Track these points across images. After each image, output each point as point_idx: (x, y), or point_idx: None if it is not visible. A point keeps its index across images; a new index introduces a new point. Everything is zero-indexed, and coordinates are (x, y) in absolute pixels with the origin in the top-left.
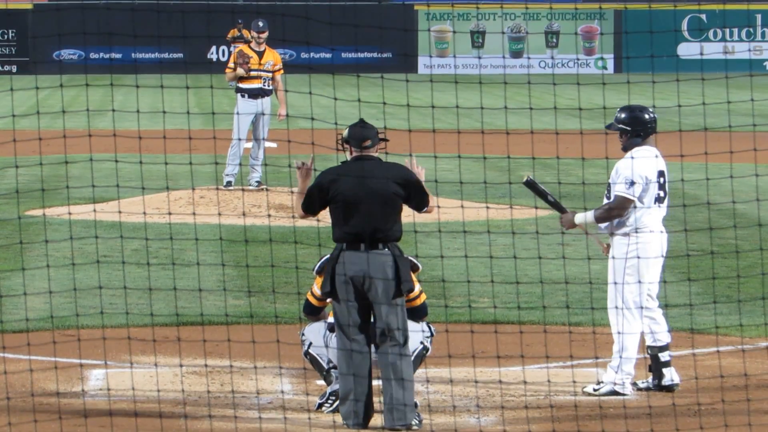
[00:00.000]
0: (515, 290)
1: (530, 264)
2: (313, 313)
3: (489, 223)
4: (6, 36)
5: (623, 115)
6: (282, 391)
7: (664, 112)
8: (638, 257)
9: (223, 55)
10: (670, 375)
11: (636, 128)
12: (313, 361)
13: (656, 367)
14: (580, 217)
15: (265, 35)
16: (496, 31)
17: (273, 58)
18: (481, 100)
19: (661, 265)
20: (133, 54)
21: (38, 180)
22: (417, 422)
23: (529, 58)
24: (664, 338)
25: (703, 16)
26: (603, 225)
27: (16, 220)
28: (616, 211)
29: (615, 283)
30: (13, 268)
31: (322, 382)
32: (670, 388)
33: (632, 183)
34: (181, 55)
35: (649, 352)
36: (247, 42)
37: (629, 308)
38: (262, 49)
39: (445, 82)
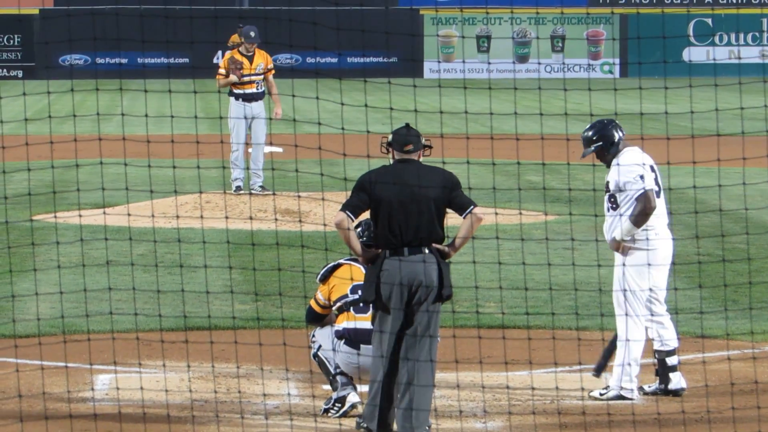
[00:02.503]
0: (522, 295)
1: (537, 269)
2: (315, 320)
3: (497, 227)
4: (12, 41)
5: (590, 134)
6: (288, 395)
7: (675, 118)
8: (649, 264)
9: None
10: (677, 380)
11: (606, 141)
12: (321, 364)
13: (663, 371)
14: (621, 232)
15: (254, 47)
16: (502, 36)
17: (263, 60)
18: (491, 105)
19: (669, 270)
20: (139, 59)
21: (47, 184)
22: (427, 428)
23: (539, 62)
24: (672, 343)
25: (710, 21)
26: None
27: (27, 224)
28: (647, 208)
29: (624, 290)
30: (22, 270)
31: (328, 387)
32: (677, 393)
33: (641, 176)
34: (187, 60)
35: (657, 356)
36: (237, 46)
37: (636, 315)
38: (251, 53)
39: (451, 87)
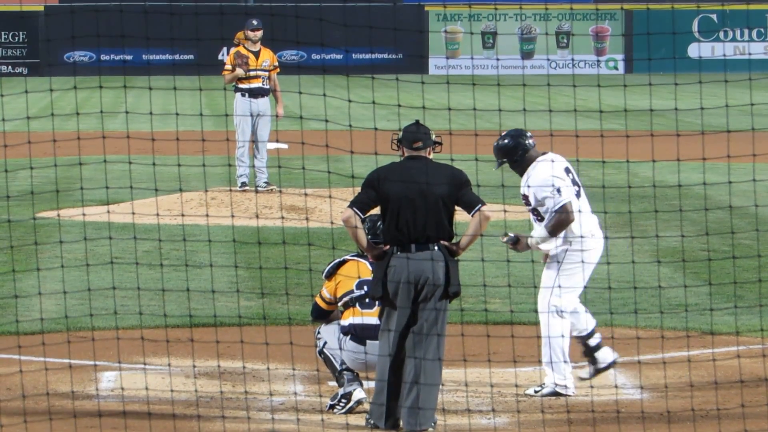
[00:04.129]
0: (529, 292)
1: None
2: (321, 317)
3: (506, 224)
4: (17, 38)
5: (501, 143)
6: (295, 393)
7: (682, 114)
8: (582, 261)
9: None
10: (604, 356)
11: (514, 156)
12: (327, 360)
13: (589, 352)
14: (535, 239)
15: (259, 33)
16: (507, 32)
17: (269, 57)
18: (499, 101)
19: (593, 268)
20: (144, 55)
21: (51, 181)
22: (433, 424)
23: (548, 59)
24: (588, 325)
25: (714, 16)
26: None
27: (30, 222)
28: (566, 219)
29: (554, 287)
30: (26, 269)
31: (334, 384)
32: (609, 368)
33: (558, 189)
34: (192, 56)
35: (579, 342)
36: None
37: (561, 312)
38: (257, 48)
39: (457, 83)
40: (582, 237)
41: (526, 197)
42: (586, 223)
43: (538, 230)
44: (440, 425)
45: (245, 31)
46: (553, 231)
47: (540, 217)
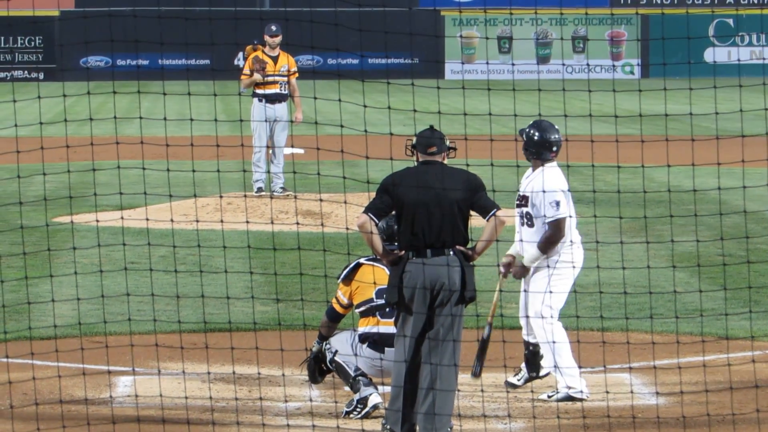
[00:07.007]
0: None
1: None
2: (335, 320)
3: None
4: (33, 43)
5: (533, 133)
6: (310, 398)
7: (697, 119)
8: (573, 266)
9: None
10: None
11: (541, 149)
12: (339, 368)
13: (535, 361)
14: (529, 259)
15: (278, 39)
16: (523, 37)
17: (288, 62)
18: (515, 107)
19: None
20: (159, 60)
21: (66, 187)
22: (449, 430)
23: (563, 64)
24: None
25: (731, 21)
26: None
27: (44, 227)
28: (557, 236)
29: (549, 292)
30: (41, 275)
31: (350, 389)
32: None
33: (557, 203)
34: (207, 61)
35: (530, 348)
36: (260, 47)
37: (554, 316)
38: (276, 53)
39: (473, 88)
40: (572, 242)
41: (524, 198)
42: (573, 251)
43: (529, 251)
44: (456, 430)
45: (264, 37)
46: (545, 248)
47: (530, 223)
